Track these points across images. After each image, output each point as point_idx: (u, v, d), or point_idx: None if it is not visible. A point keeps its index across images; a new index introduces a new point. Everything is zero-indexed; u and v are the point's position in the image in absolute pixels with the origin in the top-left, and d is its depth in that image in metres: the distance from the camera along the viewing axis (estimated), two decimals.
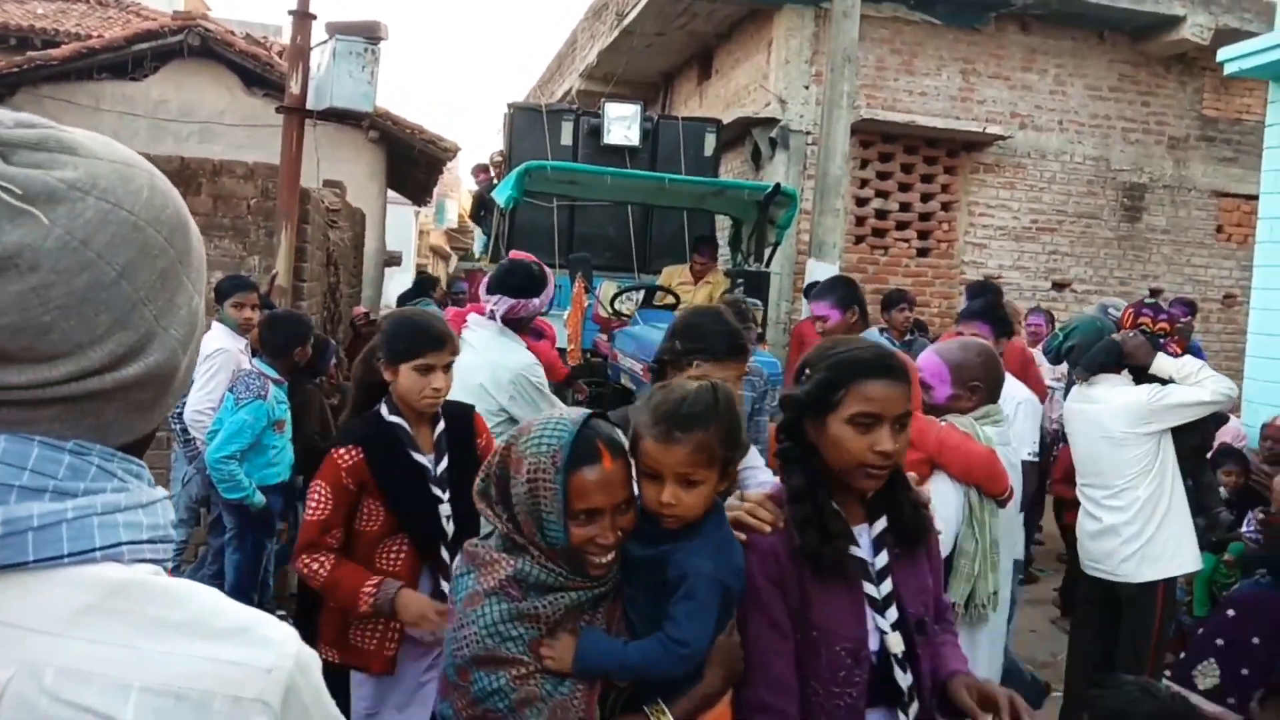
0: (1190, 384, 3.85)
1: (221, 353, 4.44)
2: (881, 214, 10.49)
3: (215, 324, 4.62)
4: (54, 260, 0.69)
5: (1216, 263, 11.31)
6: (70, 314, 0.70)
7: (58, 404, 0.72)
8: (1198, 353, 6.61)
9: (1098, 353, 3.99)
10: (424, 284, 9.69)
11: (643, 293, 6.98)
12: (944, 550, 2.60)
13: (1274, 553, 4.60)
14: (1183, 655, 4.85)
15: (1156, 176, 11.07)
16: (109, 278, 0.72)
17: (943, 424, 2.79)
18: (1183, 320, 7.44)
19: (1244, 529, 5.10)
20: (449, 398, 2.70)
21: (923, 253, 10.61)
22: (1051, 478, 6.02)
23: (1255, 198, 6.76)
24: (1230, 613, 4.80)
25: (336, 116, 6.78)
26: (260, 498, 4.19)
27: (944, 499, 2.62)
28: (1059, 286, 10.71)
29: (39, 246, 0.69)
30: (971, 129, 10.34)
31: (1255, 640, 4.36)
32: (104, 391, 0.73)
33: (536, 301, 3.56)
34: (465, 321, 3.71)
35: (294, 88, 5.98)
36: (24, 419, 0.71)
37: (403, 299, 11.76)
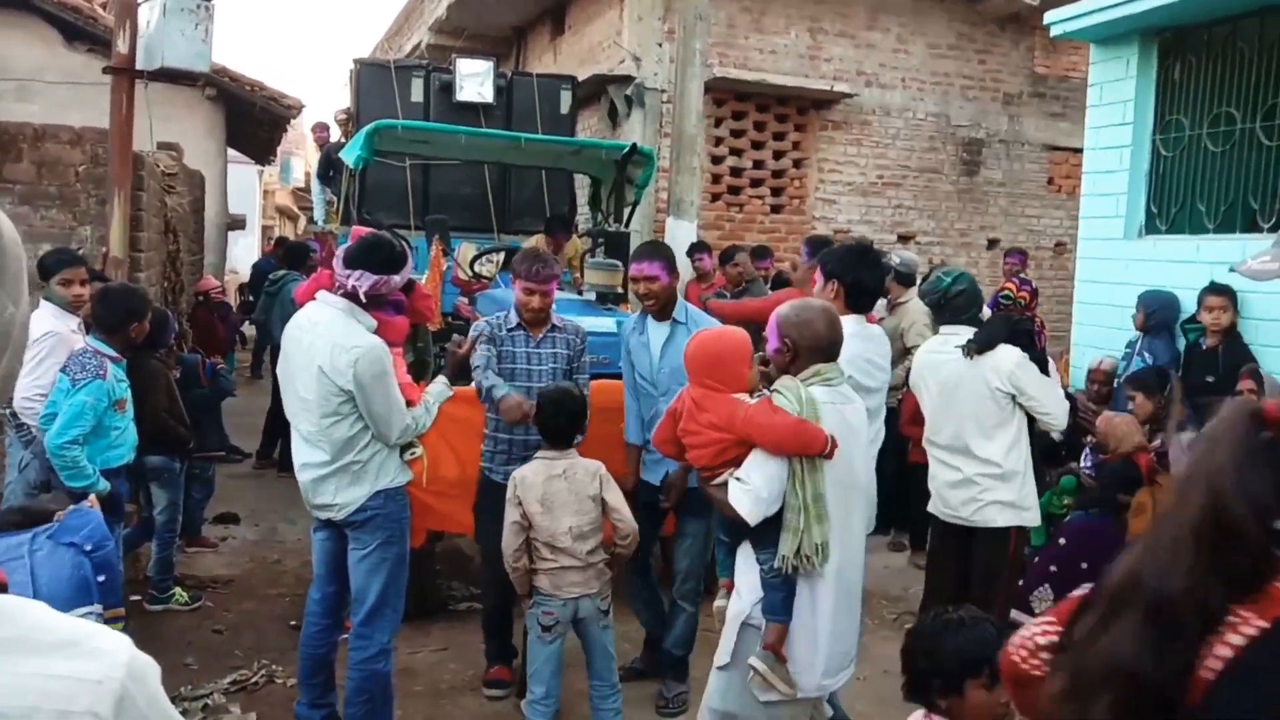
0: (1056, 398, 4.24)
1: (51, 335, 4.18)
2: (736, 171, 10.66)
3: (43, 303, 4.34)
4: None
5: (1048, 213, 11.98)
6: None
7: None
8: (1034, 294, 7.05)
9: (998, 330, 4.23)
10: (295, 254, 9.33)
11: (503, 255, 6.91)
12: (765, 515, 2.83)
13: (1106, 492, 4.96)
14: (1022, 583, 5.21)
15: (993, 131, 11.60)
16: None
17: (753, 401, 2.95)
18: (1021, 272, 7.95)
19: (1081, 465, 5.47)
20: None
21: (776, 209, 10.85)
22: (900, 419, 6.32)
23: (1082, 151, 7.18)
24: (1062, 541, 5.18)
25: (169, 76, 6.41)
26: (105, 484, 4.00)
27: (757, 472, 2.82)
28: (904, 239, 11.15)
29: None
30: (820, 87, 10.58)
31: (1084, 566, 4.72)
32: None
33: (397, 278, 3.51)
34: (314, 297, 3.61)
35: (122, 46, 5.62)
36: None
37: (260, 269, 11.30)
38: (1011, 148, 11.74)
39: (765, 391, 3.02)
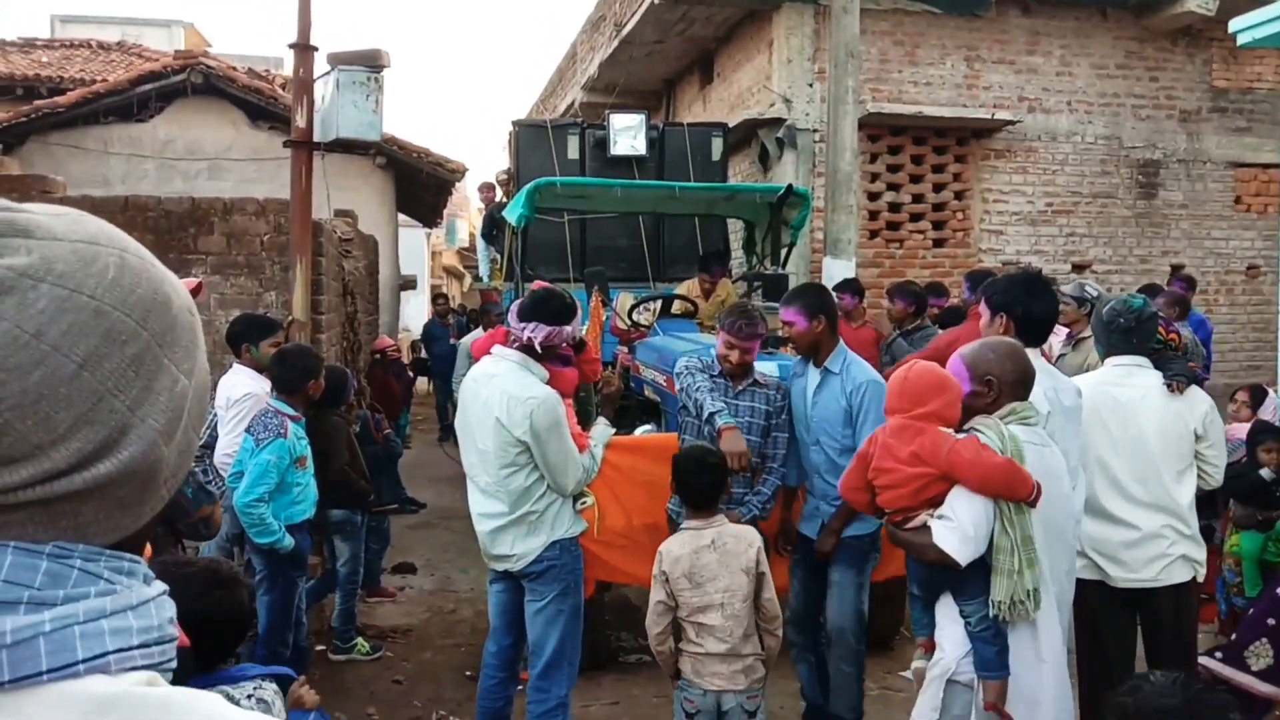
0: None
1: (249, 397, 4.41)
2: (895, 207, 10.41)
3: (237, 367, 4.60)
4: (3, 357, 0.64)
5: (1237, 234, 11.15)
6: (26, 414, 0.64)
7: (26, 508, 0.66)
8: (1201, 326, 6.49)
9: (1184, 365, 3.88)
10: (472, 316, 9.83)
11: (660, 303, 6.93)
12: (974, 556, 2.65)
13: None
14: (1234, 636, 4.75)
15: (1170, 151, 10.93)
16: (68, 371, 0.66)
17: (960, 437, 2.77)
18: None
19: None
20: None
21: (939, 243, 10.52)
22: None
23: (1273, 166, 6.66)
24: None
25: (344, 146, 6.77)
26: (289, 540, 4.16)
27: (964, 509, 2.66)
28: (1079, 268, 10.59)
29: None
30: (979, 115, 10.26)
31: None
32: (76, 493, 0.67)
33: (569, 329, 3.58)
34: (489, 351, 3.71)
35: (300, 121, 5.97)
36: None
37: (431, 333, 12.03)
38: (1192, 167, 11.02)
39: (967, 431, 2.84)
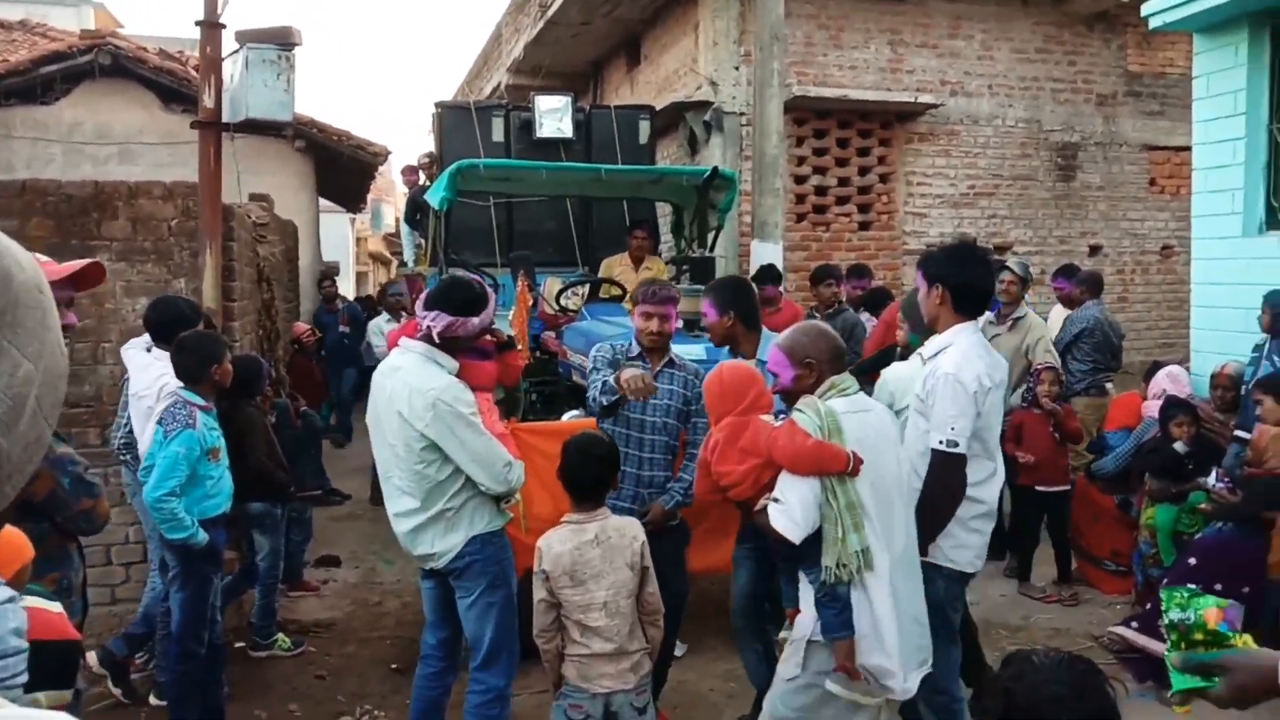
0: None
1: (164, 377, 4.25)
2: (821, 190, 10.46)
3: (156, 351, 4.41)
4: None
5: (1152, 215, 11.46)
6: None
7: None
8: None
9: None
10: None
11: (588, 287, 6.86)
12: (807, 531, 2.82)
13: (1250, 507, 4.63)
14: (1148, 606, 4.88)
15: (1088, 134, 11.17)
16: None
17: (777, 425, 2.99)
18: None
19: (1212, 482, 5.12)
20: None
21: (864, 226, 10.61)
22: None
23: (1185, 149, 6.83)
24: (1192, 560, 4.84)
25: (256, 128, 6.54)
26: (203, 535, 4.00)
27: (790, 491, 2.85)
28: (1000, 250, 10.78)
29: None
30: (903, 99, 10.34)
31: (1217, 586, 4.40)
32: None
33: (475, 321, 3.43)
34: (398, 343, 3.58)
35: (207, 101, 5.75)
36: None
37: (320, 322, 11.63)
38: (1109, 150, 11.28)
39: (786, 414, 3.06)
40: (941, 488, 3.24)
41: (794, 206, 10.19)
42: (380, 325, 9.59)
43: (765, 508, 2.91)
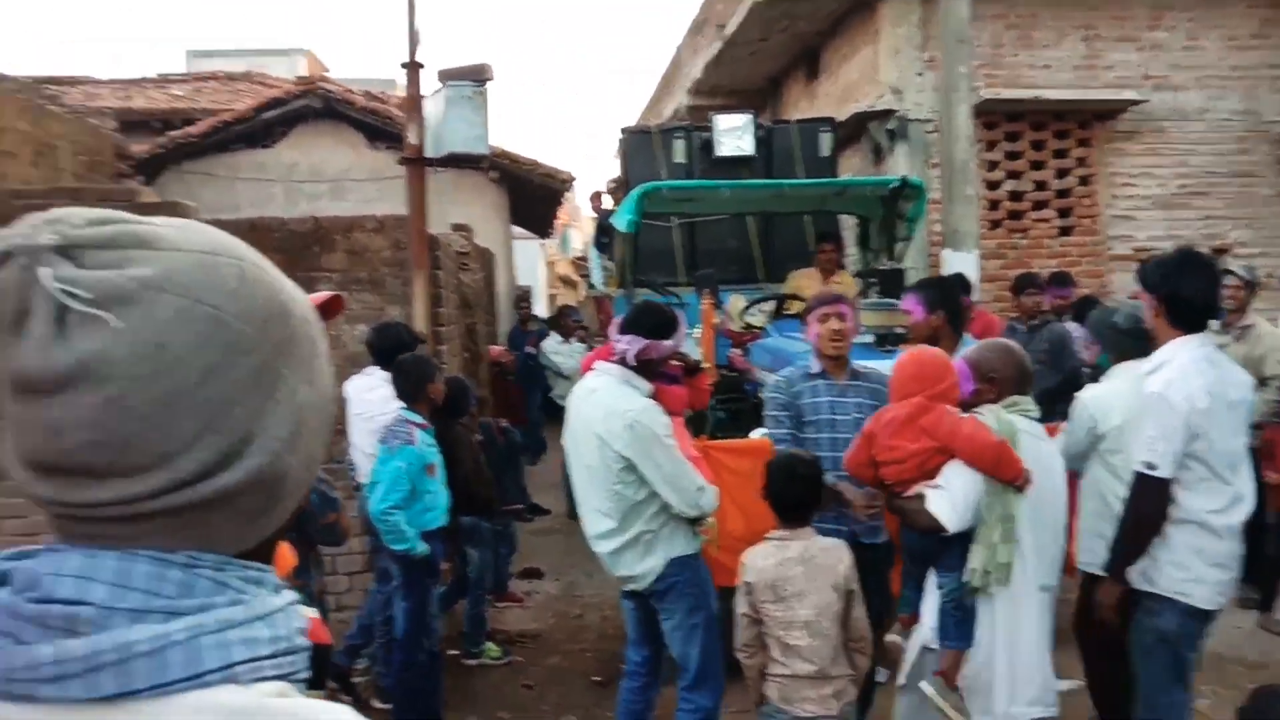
0: None
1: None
2: (1016, 196, 10.06)
3: (376, 370, 4.76)
4: (129, 367, 0.64)
5: None
6: (152, 423, 0.65)
7: (157, 518, 0.67)
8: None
9: None
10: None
11: (773, 303, 6.86)
12: (961, 525, 2.86)
13: None
14: None
15: None
16: (192, 381, 0.66)
17: (964, 416, 3.04)
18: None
19: None
20: None
21: (1065, 231, 10.11)
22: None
23: None
24: None
25: (455, 161, 6.92)
26: (424, 546, 4.25)
27: (957, 480, 2.91)
28: (1219, 252, 10.03)
29: (111, 354, 0.64)
30: (1102, 97, 9.82)
31: None
32: (204, 501, 0.68)
33: (669, 343, 3.53)
34: (593, 367, 3.70)
35: (412, 138, 6.13)
36: (125, 534, 0.67)
37: (514, 339, 12.04)
38: None
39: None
40: (1136, 511, 3.11)
41: (988, 213, 9.84)
42: (554, 345, 9.89)
43: (918, 495, 2.95)
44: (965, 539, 2.87)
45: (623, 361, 3.52)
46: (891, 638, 3.21)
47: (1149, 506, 3.09)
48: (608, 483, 3.47)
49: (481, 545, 5.35)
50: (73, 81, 14.86)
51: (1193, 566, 3.11)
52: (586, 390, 3.62)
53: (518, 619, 6.05)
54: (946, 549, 2.88)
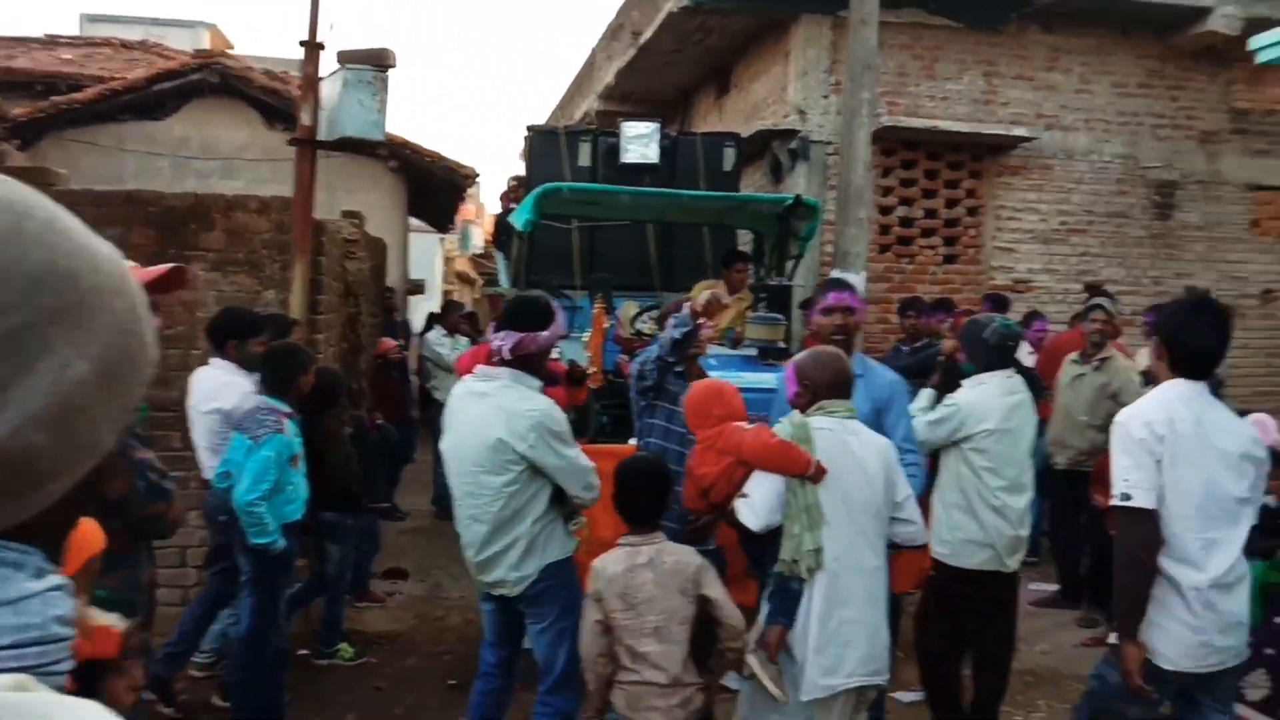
0: None
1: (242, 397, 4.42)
2: (907, 222, 10.32)
3: (217, 362, 4.59)
4: None
5: (1254, 257, 11.00)
6: None
7: None
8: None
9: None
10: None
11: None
12: (766, 523, 3.10)
13: None
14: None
15: (1188, 172, 10.80)
16: None
17: (749, 427, 3.32)
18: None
19: None
20: None
21: (950, 259, 10.42)
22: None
23: None
24: (1278, 620, 4.59)
25: (352, 147, 6.74)
26: (283, 541, 4.10)
27: (757, 486, 3.17)
28: (1091, 289, 10.46)
29: None
30: (996, 131, 10.16)
31: None
32: None
33: (545, 334, 3.46)
34: (472, 371, 3.62)
35: (305, 119, 5.95)
36: None
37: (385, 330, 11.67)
38: (1209, 188, 10.88)
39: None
40: (1121, 548, 2.95)
41: (878, 237, 10.07)
42: (438, 338, 9.61)
43: (733, 508, 3.22)
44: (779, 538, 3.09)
45: (501, 359, 3.45)
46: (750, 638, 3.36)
47: (1136, 541, 2.92)
48: (498, 484, 3.39)
49: (343, 543, 5.19)
50: None
51: (1155, 619, 2.94)
52: (474, 394, 3.51)
53: (377, 620, 5.90)
54: (769, 545, 3.11)
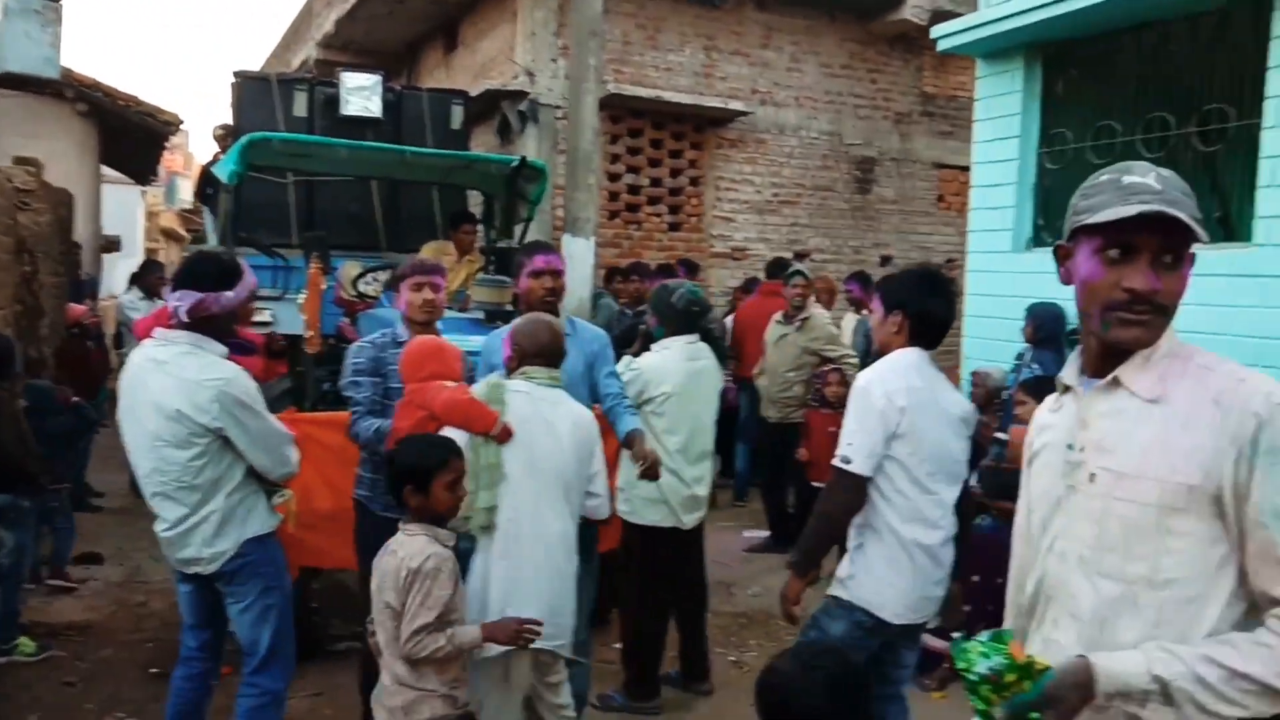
0: None
1: None
2: (634, 189, 10.56)
3: None
4: None
5: (939, 230, 12.20)
6: None
7: None
8: None
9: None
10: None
11: (389, 273, 6.63)
12: None
13: (991, 499, 4.93)
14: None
15: (884, 150, 11.77)
16: None
17: (450, 385, 3.30)
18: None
19: (972, 481, 5.43)
20: None
21: (674, 227, 10.79)
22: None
23: (969, 169, 7.27)
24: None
25: (21, 84, 5.98)
26: None
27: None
28: (800, 256, 11.20)
29: None
30: (715, 105, 10.58)
31: (975, 578, 4.68)
32: None
33: (229, 295, 3.18)
34: (151, 335, 3.27)
35: None
36: None
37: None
38: (902, 166, 11.93)
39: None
40: (824, 505, 3.09)
41: (607, 204, 10.25)
42: (133, 300, 8.73)
43: None
44: None
45: (179, 322, 3.14)
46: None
47: (837, 501, 3.04)
48: (184, 459, 3.11)
49: (19, 527, 4.65)
50: None
51: (877, 569, 3.07)
52: (152, 361, 3.17)
53: (67, 609, 5.35)
54: None
